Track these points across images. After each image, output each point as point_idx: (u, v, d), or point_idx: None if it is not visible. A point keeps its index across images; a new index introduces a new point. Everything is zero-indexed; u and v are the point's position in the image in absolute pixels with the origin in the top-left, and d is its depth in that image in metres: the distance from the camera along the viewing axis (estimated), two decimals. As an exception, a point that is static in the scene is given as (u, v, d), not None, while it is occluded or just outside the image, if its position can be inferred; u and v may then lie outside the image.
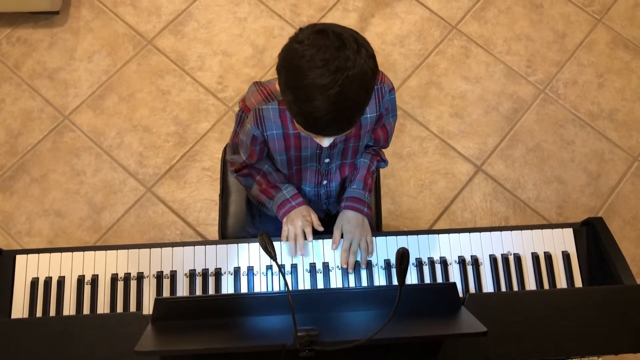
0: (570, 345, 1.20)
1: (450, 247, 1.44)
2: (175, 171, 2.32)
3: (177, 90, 2.44)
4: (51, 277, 1.37)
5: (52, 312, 1.35)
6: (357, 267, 1.41)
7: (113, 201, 2.26)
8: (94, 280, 1.37)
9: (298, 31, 1.11)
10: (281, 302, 1.09)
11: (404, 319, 1.05)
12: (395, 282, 1.39)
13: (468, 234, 1.45)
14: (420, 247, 1.44)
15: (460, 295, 1.34)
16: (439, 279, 1.41)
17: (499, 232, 1.45)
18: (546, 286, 1.41)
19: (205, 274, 1.39)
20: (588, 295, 1.29)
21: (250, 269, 1.40)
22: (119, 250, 1.40)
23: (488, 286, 1.41)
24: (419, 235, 1.44)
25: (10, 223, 2.22)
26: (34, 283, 1.36)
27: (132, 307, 1.36)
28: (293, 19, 2.58)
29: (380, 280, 1.41)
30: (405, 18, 2.62)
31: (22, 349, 1.16)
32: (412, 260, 1.42)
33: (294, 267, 1.41)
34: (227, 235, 1.67)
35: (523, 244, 1.45)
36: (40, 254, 1.38)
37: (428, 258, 1.43)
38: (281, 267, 1.40)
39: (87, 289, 1.37)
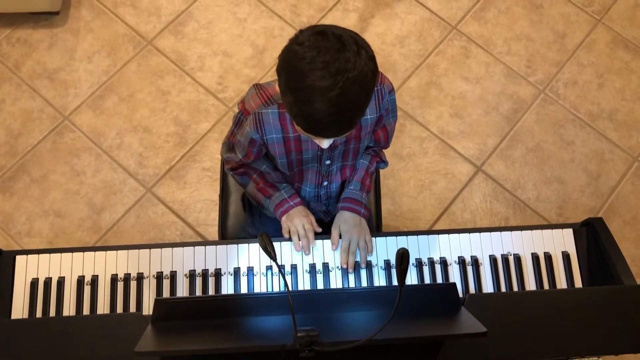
0: (570, 345, 1.20)
1: (450, 247, 1.44)
2: (175, 171, 2.32)
3: (177, 90, 2.44)
4: (51, 278, 1.37)
5: (52, 313, 1.35)
6: (357, 267, 1.42)
7: (113, 202, 2.26)
8: (94, 280, 1.37)
9: (298, 33, 1.11)
10: (281, 302, 1.09)
11: (404, 319, 1.05)
12: (395, 282, 1.39)
13: (468, 234, 1.45)
14: (420, 248, 1.44)
15: (460, 295, 1.34)
16: (439, 280, 1.41)
17: (498, 233, 1.45)
18: (546, 286, 1.41)
19: (205, 274, 1.39)
20: (588, 296, 1.29)
21: (250, 270, 1.40)
22: (118, 251, 1.40)
23: (488, 286, 1.41)
24: (419, 236, 1.45)
25: (10, 223, 2.22)
26: (34, 283, 1.36)
27: (132, 308, 1.36)
28: (293, 20, 2.58)
29: (380, 280, 1.41)
30: (405, 18, 2.62)
31: (22, 350, 1.16)
32: (412, 260, 1.42)
33: (293, 267, 1.41)
34: (227, 235, 1.67)
35: (523, 244, 1.45)
36: (40, 255, 1.38)
37: (428, 258, 1.43)
38: (281, 268, 1.40)
39: (87, 289, 1.37)
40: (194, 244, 1.41)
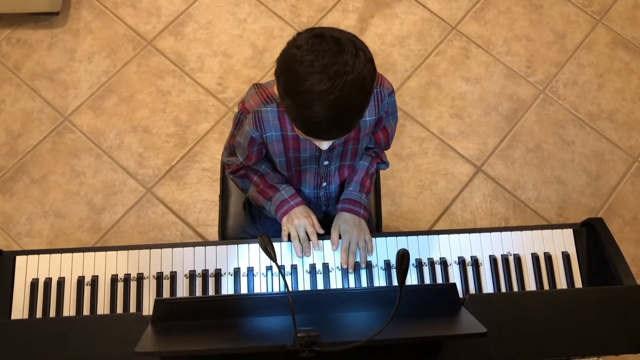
0: (571, 345, 1.20)
1: (450, 247, 1.44)
2: (175, 172, 2.32)
3: (177, 91, 2.44)
4: (51, 278, 1.37)
5: (52, 313, 1.35)
6: (357, 267, 1.42)
7: (113, 202, 2.26)
8: (94, 281, 1.37)
9: (296, 35, 1.10)
10: (281, 302, 1.09)
11: (404, 319, 1.05)
12: (395, 282, 1.39)
13: (468, 234, 1.45)
14: (420, 248, 1.44)
15: (460, 295, 1.34)
16: (439, 280, 1.41)
17: (498, 233, 1.45)
18: (546, 287, 1.41)
19: (205, 274, 1.39)
20: (588, 296, 1.29)
21: (250, 270, 1.40)
22: (118, 251, 1.40)
23: (488, 287, 1.41)
24: (419, 236, 1.44)
25: (10, 224, 2.22)
26: (34, 284, 1.36)
27: (132, 308, 1.36)
28: (293, 20, 2.59)
29: (380, 281, 1.41)
30: (405, 19, 2.62)
31: (22, 350, 1.16)
32: (412, 261, 1.42)
33: (293, 267, 1.41)
34: (227, 236, 1.67)
35: (523, 244, 1.45)
36: (40, 255, 1.38)
37: (428, 259, 1.43)
38: (281, 268, 1.40)
39: (87, 289, 1.37)
40: (194, 245, 1.41)
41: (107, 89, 2.43)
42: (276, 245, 1.42)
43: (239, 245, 1.42)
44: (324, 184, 1.51)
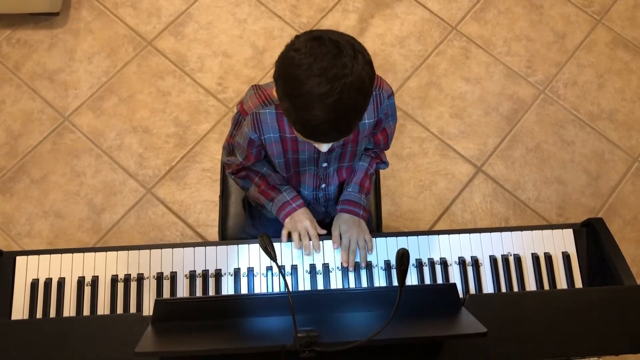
0: (571, 345, 1.20)
1: (450, 247, 1.44)
2: (175, 172, 2.32)
3: (177, 91, 2.44)
4: (51, 279, 1.37)
5: (52, 314, 1.35)
6: (357, 267, 1.42)
7: (113, 202, 2.26)
8: (94, 281, 1.37)
9: (294, 38, 1.10)
10: (281, 303, 1.09)
11: (404, 319, 1.05)
12: (395, 283, 1.39)
13: (468, 234, 1.45)
14: (420, 248, 1.44)
15: (461, 296, 1.34)
16: (439, 280, 1.41)
17: (499, 233, 1.45)
18: (546, 287, 1.41)
19: (205, 275, 1.39)
20: (588, 296, 1.29)
21: (250, 270, 1.40)
22: (119, 252, 1.40)
23: (488, 287, 1.41)
24: (419, 236, 1.45)
25: (11, 224, 2.22)
26: (34, 284, 1.36)
27: (132, 309, 1.36)
28: (293, 20, 2.59)
29: (380, 281, 1.41)
30: (405, 19, 2.62)
31: (22, 350, 1.16)
32: (412, 261, 1.42)
33: (294, 268, 1.41)
34: (227, 236, 1.67)
35: (523, 244, 1.45)
36: (41, 256, 1.38)
37: (428, 259, 1.43)
38: (281, 268, 1.40)
39: (87, 290, 1.37)
40: (194, 245, 1.41)
41: (107, 90, 2.43)
42: (276, 245, 1.42)
43: (239, 246, 1.42)
44: (323, 186, 1.51)
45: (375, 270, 1.42)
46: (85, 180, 2.29)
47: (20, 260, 1.38)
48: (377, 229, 1.69)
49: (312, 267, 1.41)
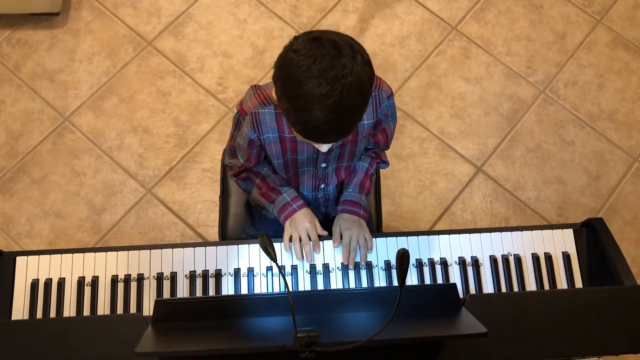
0: (571, 345, 1.20)
1: (450, 247, 1.44)
2: (175, 172, 2.32)
3: (177, 91, 2.44)
4: (51, 279, 1.37)
5: (53, 314, 1.35)
6: (357, 267, 1.41)
7: (113, 202, 2.26)
8: (94, 281, 1.37)
9: (293, 40, 1.10)
10: (281, 303, 1.09)
11: (404, 320, 1.05)
12: (395, 283, 1.39)
13: (468, 234, 1.45)
14: (420, 248, 1.44)
15: (461, 296, 1.34)
16: (439, 280, 1.41)
17: (499, 233, 1.45)
18: (546, 287, 1.41)
19: (205, 275, 1.39)
20: (588, 296, 1.29)
21: (250, 270, 1.40)
22: (119, 252, 1.40)
23: (488, 287, 1.41)
24: (419, 236, 1.45)
25: (11, 224, 2.22)
26: (34, 284, 1.36)
27: (133, 309, 1.36)
28: (293, 20, 2.59)
29: (380, 281, 1.41)
30: (405, 19, 2.62)
31: (23, 351, 1.16)
32: (412, 261, 1.42)
33: (294, 268, 1.41)
34: (227, 236, 1.67)
35: (523, 244, 1.45)
36: (41, 256, 1.38)
37: (428, 259, 1.43)
38: (281, 268, 1.40)
39: (87, 290, 1.37)
40: (194, 245, 1.41)
41: (107, 90, 2.44)
42: (276, 245, 1.42)
43: (239, 246, 1.42)
44: (322, 186, 1.51)
45: (375, 271, 1.42)
46: (86, 180, 2.29)
47: (20, 260, 1.38)
48: (377, 229, 1.69)
49: (312, 267, 1.41)
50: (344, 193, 1.51)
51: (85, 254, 1.39)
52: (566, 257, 1.44)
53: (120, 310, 1.36)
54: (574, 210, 2.32)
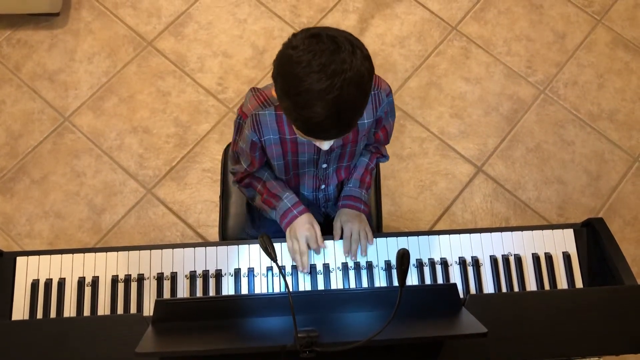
0: (571, 345, 1.20)
1: (450, 247, 1.44)
2: (175, 172, 2.32)
3: (177, 91, 2.44)
4: (52, 279, 1.37)
5: (53, 314, 1.35)
6: (357, 267, 1.41)
7: (113, 203, 2.26)
8: (95, 281, 1.37)
9: (291, 37, 1.09)
10: (282, 303, 1.09)
11: (404, 320, 1.05)
12: (395, 283, 1.39)
13: (468, 234, 1.45)
14: (420, 248, 1.43)
15: (461, 296, 1.34)
16: (440, 280, 1.41)
17: (499, 233, 1.45)
18: (547, 287, 1.41)
19: (205, 275, 1.39)
20: (588, 296, 1.29)
21: (250, 271, 1.40)
22: (119, 252, 1.40)
23: (489, 287, 1.41)
24: (420, 236, 1.44)
25: (11, 225, 2.22)
26: (35, 285, 1.36)
27: (133, 309, 1.36)
28: (293, 20, 2.59)
29: (380, 281, 1.41)
30: (405, 19, 2.62)
31: (23, 351, 1.16)
32: (412, 261, 1.42)
33: (294, 268, 1.41)
34: (228, 236, 1.67)
35: (523, 244, 1.45)
36: (41, 256, 1.38)
37: (428, 259, 1.43)
38: (281, 269, 1.40)
39: (88, 290, 1.37)
40: (194, 245, 1.41)
41: (108, 90, 2.44)
42: (276, 245, 1.41)
43: (240, 246, 1.42)
44: (323, 187, 1.51)
45: (375, 271, 1.42)
46: (86, 180, 2.29)
47: (20, 260, 1.38)
48: (377, 229, 1.69)
49: (313, 267, 1.41)
50: (344, 188, 1.52)
51: (86, 254, 1.39)
52: (566, 257, 1.44)
53: (120, 310, 1.36)
54: (574, 210, 2.32)
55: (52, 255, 1.39)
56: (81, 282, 1.37)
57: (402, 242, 1.45)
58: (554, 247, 1.44)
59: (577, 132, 2.44)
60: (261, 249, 1.30)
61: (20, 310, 1.34)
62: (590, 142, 2.43)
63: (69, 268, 1.38)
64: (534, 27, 2.63)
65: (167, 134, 2.37)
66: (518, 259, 1.43)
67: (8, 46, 2.49)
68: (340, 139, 1.34)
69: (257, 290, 1.39)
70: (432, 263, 1.42)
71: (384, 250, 1.44)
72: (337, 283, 1.40)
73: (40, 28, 2.53)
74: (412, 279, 1.41)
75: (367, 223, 1.46)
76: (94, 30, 2.54)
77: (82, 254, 1.39)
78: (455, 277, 1.42)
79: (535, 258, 1.43)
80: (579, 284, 1.42)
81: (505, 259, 1.43)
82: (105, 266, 1.38)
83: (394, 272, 1.41)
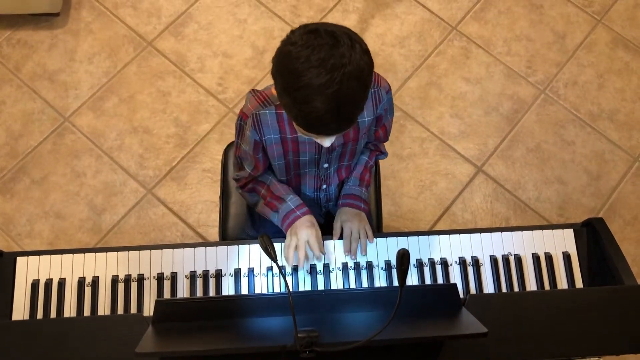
0: (571, 345, 1.20)
1: (450, 247, 1.44)
2: (175, 173, 2.32)
3: (177, 91, 2.44)
4: (52, 279, 1.37)
5: (53, 314, 1.35)
6: (357, 267, 1.41)
7: (113, 203, 2.26)
8: (95, 282, 1.37)
9: (290, 33, 1.09)
10: (282, 303, 1.09)
11: (404, 320, 1.05)
12: (395, 283, 1.39)
13: (468, 234, 1.45)
14: (420, 248, 1.43)
15: (461, 296, 1.34)
16: (440, 280, 1.41)
17: (499, 233, 1.45)
18: (547, 287, 1.41)
19: (205, 275, 1.39)
20: (588, 296, 1.29)
21: (250, 271, 1.40)
22: (119, 252, 1.40)
23: (489, 287, 1.41)
24: (420, 236, 1.44)
25: (11, 225, 2.22)
26: (35, 285, 1.36)
27: (133, 309, 1.36)
28: (293, 20, 2.59)
29: (380, 281, 1.41)
30: (405, 19, 2.62)
31: (23, 351, 1.16)
32: (412, 261, 1.42)
33: (294, 268, 1.41)
34: (228, 236, 1.67)
35: (524, 244, 1.45)
36: (41, 256, 1.38)
37: (429, 259, 1.43)
38: (282, 269, 1.40)
39: (88, 290, 1.37)
40: (194, 245, 1.41)
41: (108, 90, 2.44)
42: (277, 245, 1.41)
43: (240, 246, 1.42)
44: (324, 187, 1.51)
45: (375, 271, 1.42)
46: (86, 180, 2.29)
47: (20, 260, 1.38)
48: (377, 229, 1.69)
49: (313, 267, 1.41)
50: (344, 187, 1.52)
51: (86, 254, 1.39)
52: (566, 257, 1.44)
53: (120, 310, 1.36)
54: (574, 210, 2.32)
55: (52, 256, 1.39)
56: (81, 282, 1.37)
57: (402, 242, 1.45)
58: (554, 247, 1.44)
59: (577, 132, 2.44)
60: (261, 249, 1.30)
61: (20, 310, 1.35)
62: (591, 142, 2.43)
63: (69, 268, 1.38)
64: (534, 27, 2.63)
65: (167, 134, 2.37)
66: (518, 259, 1.43)
67: (8, 46, 2.49)
68: (341, 137, 1.34)
69: (257, 290, 1.39)
70: (432, 263, 1.42)
71: (384, 250, 1.44)
72: (337, 283, 1.40)
73: (40, 28, 2.53)
74: (412, 279, 1.41)
75: (367, 222, 1.46)
76: (94, 31, 2.54)
77: (82, 254, 1.39)
78: (455, 277, 1.42)
79: (535, 258, 1.43)
80: (579, 284, 1.42)
81: (505, 259, 1.43)
82: (105, 266, 1.38)
83: (394, 272, 1.41)
